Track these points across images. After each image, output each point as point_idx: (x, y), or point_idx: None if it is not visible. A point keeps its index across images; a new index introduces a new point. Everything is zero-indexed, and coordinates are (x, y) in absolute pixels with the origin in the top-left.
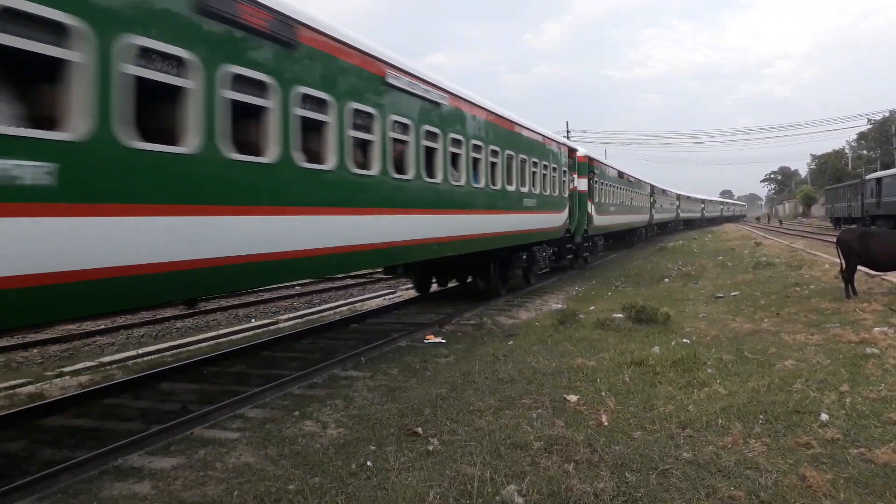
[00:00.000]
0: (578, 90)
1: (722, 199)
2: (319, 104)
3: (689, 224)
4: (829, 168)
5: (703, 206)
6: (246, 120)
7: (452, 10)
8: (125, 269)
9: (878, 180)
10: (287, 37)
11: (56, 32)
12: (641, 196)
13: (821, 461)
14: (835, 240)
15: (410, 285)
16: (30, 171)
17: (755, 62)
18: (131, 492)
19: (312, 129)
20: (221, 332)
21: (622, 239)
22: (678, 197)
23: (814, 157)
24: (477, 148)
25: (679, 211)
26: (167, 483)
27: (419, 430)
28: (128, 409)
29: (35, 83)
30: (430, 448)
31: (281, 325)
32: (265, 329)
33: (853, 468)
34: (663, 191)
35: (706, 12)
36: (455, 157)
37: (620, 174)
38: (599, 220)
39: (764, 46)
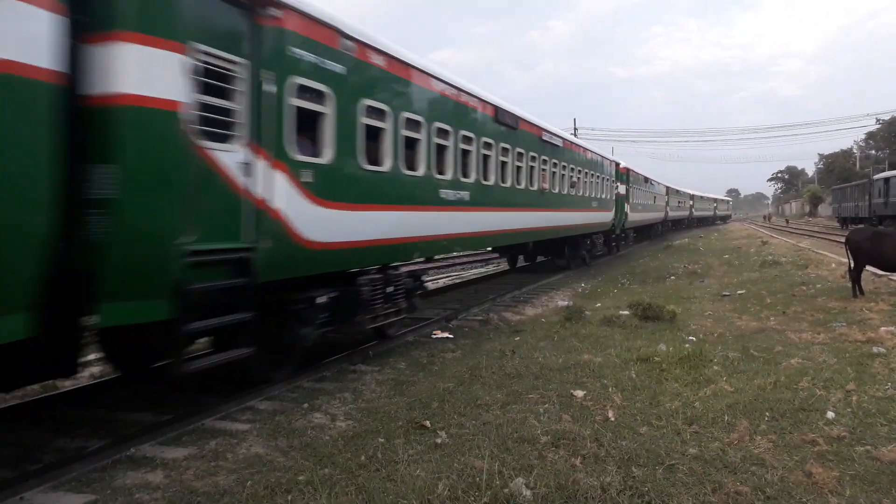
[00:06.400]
0: (584, 87)
1: (715, 197)
2: (520, 157)
3: (702, 221)
4: (837, 167)
5: (715, 204)
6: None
7: (459, 7)
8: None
9: (886, 180)
10: (514, 125)
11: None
12: (659, 196)
13: (827, 458)
14: (843, 239)
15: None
16: (464, 195)
17: (762, 60)
18: (144, 481)
19: (517, 170)
20: None
21: (642, 232)
22: (692, 197)
23: (821, 156)
24: (573, 169)
25: (693, 210)
26: (179, 473)
27: (427, 423)
28: (138, 400)
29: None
30: (438, 441)
31: None
32: None
33: (859, 465)
34: (677, 191)
35: (713, 10)
36: (563, 175)
37: (646, 179)
38: (632, 217)
39: (771, 45)
